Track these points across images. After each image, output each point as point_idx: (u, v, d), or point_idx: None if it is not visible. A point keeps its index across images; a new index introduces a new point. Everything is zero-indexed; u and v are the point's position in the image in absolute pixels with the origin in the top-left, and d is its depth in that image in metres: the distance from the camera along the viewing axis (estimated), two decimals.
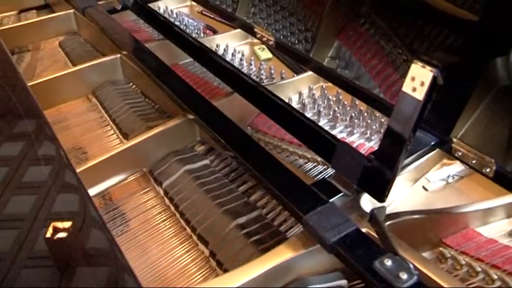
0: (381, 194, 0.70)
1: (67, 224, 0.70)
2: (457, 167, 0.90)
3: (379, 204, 0.73)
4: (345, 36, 1.09)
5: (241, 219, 0.82)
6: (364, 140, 1.03)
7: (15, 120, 0.94)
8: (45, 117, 0.95)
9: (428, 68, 0.62)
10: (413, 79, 0.63)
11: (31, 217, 0.70)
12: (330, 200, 0.73)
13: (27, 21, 1.60)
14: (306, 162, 1.00)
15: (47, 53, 1.56)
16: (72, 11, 1.57)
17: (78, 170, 0.91)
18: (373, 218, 0.70)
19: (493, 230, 0.80)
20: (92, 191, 0.97)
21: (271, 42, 1.21)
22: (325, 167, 0.97)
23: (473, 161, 0.80)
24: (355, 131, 1.05)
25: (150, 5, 1.53)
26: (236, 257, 0.77)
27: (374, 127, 1.04)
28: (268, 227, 0.81)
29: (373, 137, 1.02)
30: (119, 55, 1.29)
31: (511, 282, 0.70)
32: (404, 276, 0.59)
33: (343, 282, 0.69)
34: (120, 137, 1.12)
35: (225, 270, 0.76)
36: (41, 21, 1.58)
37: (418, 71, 0.63)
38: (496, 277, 0.71)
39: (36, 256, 0.66)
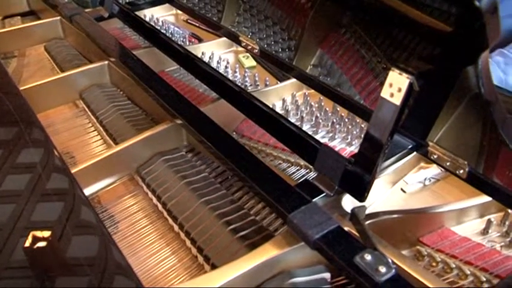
0: (361, 194, 0.74)
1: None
2: (433, 171, 0.95)
3: (359, 204, 0.77)
4: (327, 45, 1.13)
5: (228, 216, 0.85)
6: (345, 144, 1.06)
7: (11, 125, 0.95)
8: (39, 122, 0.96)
9: (405, 75, 0.66)
10: (391, 85, 0.67)
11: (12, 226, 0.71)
12: (313, 200, 0.76)
13: (14, 27, 1.61)
14: (289, 166, 1.03)
15: (32, 59, 1.57)
16: (58, 18, 1.58)
17: None
18: (353, 216, 0.74)
19: (467, 229, 0.84)
20: None
21: (256, 51, 1.24)
22: (307, 170, 1.00)
23: (448, 163, 0.85)
24: (336, 136, 1.08)
25: (136, 13, 1.55)
26: (223, 252, 0.79)
27: (355, 132, 1.07)
28: (253, 224, 0.84)
29: (353, 142, 1.06)
30: (106, 62, 1.31)
31: (483, 277, 0.74)
32: (383, 269, 0.62)
33: (327, 275, 0.72)
34: (109, 141, 1.14)
35: (213, 265, 0.79)
36: (27, 27, 1.59)
37: (396, 77, 0.67)
38: (469, 272, 0.75)
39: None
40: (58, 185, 0.82)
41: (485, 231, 0.83)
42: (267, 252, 0.73)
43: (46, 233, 0.71)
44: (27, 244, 0.68)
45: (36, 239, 0.69)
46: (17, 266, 0.67)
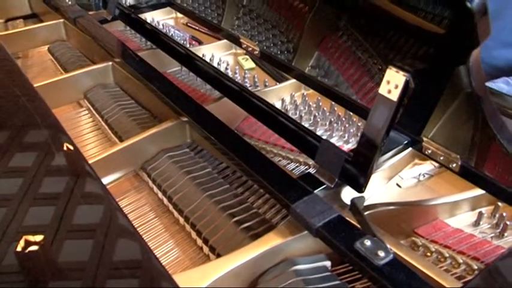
0: (360, 186, 0.78)
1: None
2: (427, 166, 0.99)
3: (358, 195, 0.81)
4: (324, 47, 1.16)
5: (232, 209, 0.89)
6: (342, 142, 1.10)
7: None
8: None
9: (401, 72, 0.70)
10: (388, 82, 0.72)
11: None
12: (314, 191, 0.80)
13: (18, 30, 1.65)
14: (289, 163, 1.06)
15: (36, 61, 1.60)
16: (61, 20, 1.62)
17: None
18: (353, 205, 0.78)
19: (459, 221, 0.88)
20: None
21: (256, 52, 1.28)
22: (306, 167, 1.04)
23: (441, 158, 0.89)
24: (334, 135, 1.12)
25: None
26: (228, 243, 0.83)
27: (351, 131, 1.11)
28: (256, 216, 0.88)
29: (350, 140, 1.10)
30: (110, 62, 1.34)
31: (475, 266, 0.78)
32: (382, 254, 0.66)
33: (327, 263, 0.76)
34: (114, 138, 1.17)
35: (218, 255, 0.82)
36: (31, 29, 1.62)
37: (393, 75, 0.71)
38: (461, 261, 0.79)
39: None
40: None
41: (476, 223, 0.88)
42: (270, 241, 0.76)
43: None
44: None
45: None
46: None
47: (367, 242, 0.68)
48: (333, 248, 0.71)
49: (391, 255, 0.66)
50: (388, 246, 0.68)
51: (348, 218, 0.77)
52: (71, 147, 0.89)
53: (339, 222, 0.73)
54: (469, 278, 0.77)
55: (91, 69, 1.34)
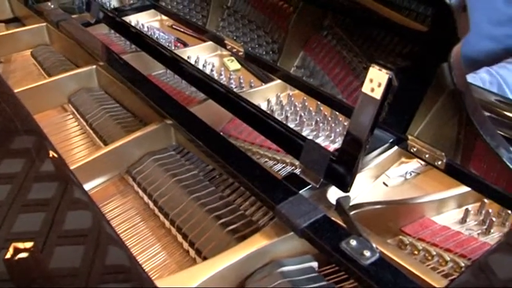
0: (345, 185, 0.78)
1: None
2: (414, 165, 0.99)
3: (344, 195, 0.80)
4: (309, 47, 1.16)
5: (217, 211, 0.88)
6: (328, 142, 1.10)
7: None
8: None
9: (384, 70, 0.70)
10: (371, 81, 0.71)
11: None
12: (300, 192, 0.80)
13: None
14: (275, 164, 1.06)
15: (19, 65, 1.57)
16: (44, 24, 1.60)
17: None
18: (338, 205, 0.77)
19: (446, 218, 0.88)
20: None
21: (241, 53, 1.28)
22: (293, 167, 1.03)
23: (427, 155, 0.89)
24: (320, 134, 1.12)
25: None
26: (214, 245, 0.82)
27: (338, 130, 1.11)
28: (242, 218, 0.87)
29: (337, 140, 1.09)
30: (94, 66, 1.33)
31: (462, 263, 0.78)
32: (368, 253, 0.66)
33: (314, 264, 0.75)
34: (99, 143, 1.16)
35: (204, 258, 0.81)
36: (13, 33, 1.60)
37: (376, 73, 0.71)
38: (449, 259, 0.79)
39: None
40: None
41: (463, 220, 0.88)
42: (256, 243, 0.75)
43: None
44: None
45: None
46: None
47: (353, 242, 0.68)
48: (319, 249, 0.71)
49: (377, 255, 0.66)
50: (374, 245, 0.67)
51: (334, 218, 0.77)
52: (53, 153, 0.87)
53: (325, 222, 0.73)
54: (457, 275, 0.77)
55: (75, 73, 1.33)
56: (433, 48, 0.80)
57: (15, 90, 1.23)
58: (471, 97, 0.79)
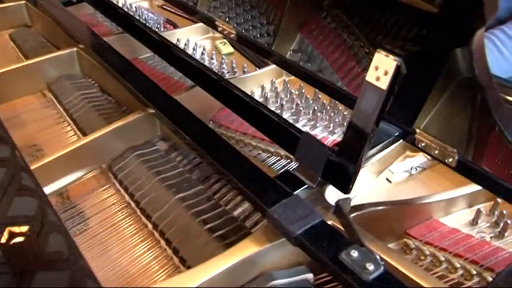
0: (345, 186, 0.70)
1: (24, 228, 0.67)
2: (419, 159, 0.91)
3: (344, 196, 0.72)
4: (307, 29, 1.10)
5: (204, 214, 0.80)
6: (327, 133, 1.03)
7: None
8: None
9: (391, 57, 0.62)
10: (376, 68, 0.63)
11: None
12: (294, 193, 0.72)
13: None
14: (269, 156, 0.99)
15: None
16: (23, 2, 1.50)
17: (33, 167, 0.88)
18: (338, 209, 0.69)
19: (455, 219, 0.81)
20: (49, 189, 0.93)
21: (233, 36, 1.19)
22: (288, 160, 0.96)
23: (436, 152, 0.81)
24: (318, 125, 1.05)
25: None
26: (200, 253, 0.75)
27: (337, 120, 1.04)
28: (232, 222, 0.79)
29: (336, 130, 1.03)
30: (75, 48, 1.24)
31: (473, 270, 0.71)
32: (371, 267, 0.58)
33: (309, 275, 0.68)
34: (78, 132, 1.09)
35: (189, 267, 0.74)
36: None
37: (382, 60, 0.62)
38: (458, 265, 0.72)
39: None
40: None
41: (474, 222, 0.80)
42: (245, 249, 0.68)
43: None
44: None
45: None
46: None
47: (354, 253, 0.60)
48: (315, 259, 0.63)
49: (382, 268, 0.58)
50: (378, 257, 0.59)
51: (332, 222, 0.69)
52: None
53: (322, 229, 0.65)
54: (468, 284, 0.70)
55: (54, 55, 1.25)
56: (445, 32, 0.71)
57: None
58: (494, 90, 0.70)
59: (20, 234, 0.66)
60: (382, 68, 0.62)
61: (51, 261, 0.63)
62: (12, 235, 0.66)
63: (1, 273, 0.62)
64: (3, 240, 0.65)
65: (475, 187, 0.81)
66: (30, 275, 0.61)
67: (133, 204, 0.89)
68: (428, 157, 0.89)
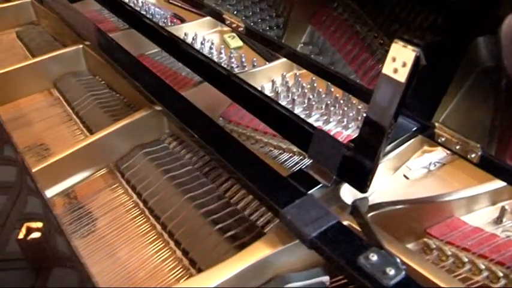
0: (362, 184, 0.66)
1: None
2: (438, 154, 0.88)
3: (360, 195, 0.69)
4: (317, 21, 1.06)
5: (215, 214, 0.78)
6: (341, 128, 0.99)
7: None
8: None
9: (410, 47, 0.58)
10: (394, 60, 0.59)
11: None
12: (308, 192, 0.69)
13: None
14: (281, 153, 0.96)
15: (4, 46, 1.48)
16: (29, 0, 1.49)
17: (39, 167, 0.87)
18: (355, 209, 0.66)
19: (478, 218, 0.78)
20: (55, 189, 0.92)
21: (241, 29, 1.16)
22: (301, 157, 0.93)
23: (457, 147, 0.76)
24: (331, 119, 1.01)
25: None
26: (210, 255, 0.72)
27: (351, 114, 1.00)
28: (243, 222, 0.76)
29: (350, 125, 0.99)
30: (81, 45, 1.22)
31: (499, 272, 0.67)
32: (391, 272, 0.55)
33: (325, 278, 0.64)
34: (85, 131, 1.07)
35: (199, 269, 0.72)
36: None
37: (399, 51, 0.59)
38: (483, 267, 0.69)
39: None
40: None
41: (499, 220, 0.77)
42: (257, 252, 0.65)
43: None
44: None
45: None
46: None
47: (373, 257, 0.56)
48: (332, 264, 0.59)
49: (403, 273, 0.55)
50: (399, 260, 0.56)
51: (349, 223, 0.66)
52: None
53: (339, 231, 0.61)
54: (494, 287, 0.66)
55: (60, 53, 1.23)
56: (470, 19, 0.67)
57: None
58: None
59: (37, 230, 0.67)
60: (399, 60, 0.59)
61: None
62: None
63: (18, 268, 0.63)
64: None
65: (498, 183, 0.77)
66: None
67: (141, 204, 0.86)
68: (448, 152, 0.86)
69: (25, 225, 0.67)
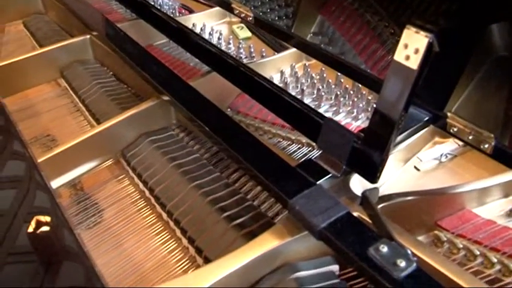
0: (372, 175, 0.65)
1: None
2: (450, 145, 0.86)
3: (370, 186, 0.67)
4: (327, 10, 1.04)
5: (222, 202, 0.77)
6: (350, 119, 0.98)
7: None
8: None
9: (422, 33, 0.56)
10: (406, 46, 0.58)
11: None
12: (318, 182, 0.67)
13: None
14: (289, 144, 0.95)
15: (12, 37, 1.48)
16: None
17: (45, 158, 0.86)
18: (365, 200, 0.65)
19: (491, 210, 0.76)
20: (62, 180, 0.91)
21: (250, 19, 1.14)
22: (310, 148, 0.92)
23: (470, 137, 0.75)
24: (341, 110, 1.00)
25: None
26: (217, 243, 0.71)
27: (361, 105, 0.99)
28: (251, 210, 0.75)
29: (360, 116, 0.98)
30: (88, 36, 1.21)
31: None
32: (402, 263, 0.53)
33: (335, 267, 0.63)
34: (92, 121, 1.06)
35: (205, 258, 0.71)
36: (4, 1, 1.48)
37: (412, 37, 0.57)
38: (495, 260, 0.67)
39: None
40: None
41: (511, 213, 0.74)
42: (266, 243, 0.64)
43: None
44: None
45: None
46: None
47: (384, 248, 0.55)
48: (341, 255, 0.58)
49: (414, 265, 0.53)
50: (410, 252, 0.55)
51: (358, 214, 0.65)
52: None
53: (348, 222, 0.60)
54: (507, 280, 0.64)
55: (67, 43, 1.22)
56: (484, 5, 0.65)
57: (2, 63, 1.14)
58: None
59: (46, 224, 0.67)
60: (412, 46, 0.57)
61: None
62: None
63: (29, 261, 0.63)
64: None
65: (511, 175, 0.75)
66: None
67: (147, 193, 0.86)
68: (460, 143, 0.84)
69: (34, 218, 0.67)
